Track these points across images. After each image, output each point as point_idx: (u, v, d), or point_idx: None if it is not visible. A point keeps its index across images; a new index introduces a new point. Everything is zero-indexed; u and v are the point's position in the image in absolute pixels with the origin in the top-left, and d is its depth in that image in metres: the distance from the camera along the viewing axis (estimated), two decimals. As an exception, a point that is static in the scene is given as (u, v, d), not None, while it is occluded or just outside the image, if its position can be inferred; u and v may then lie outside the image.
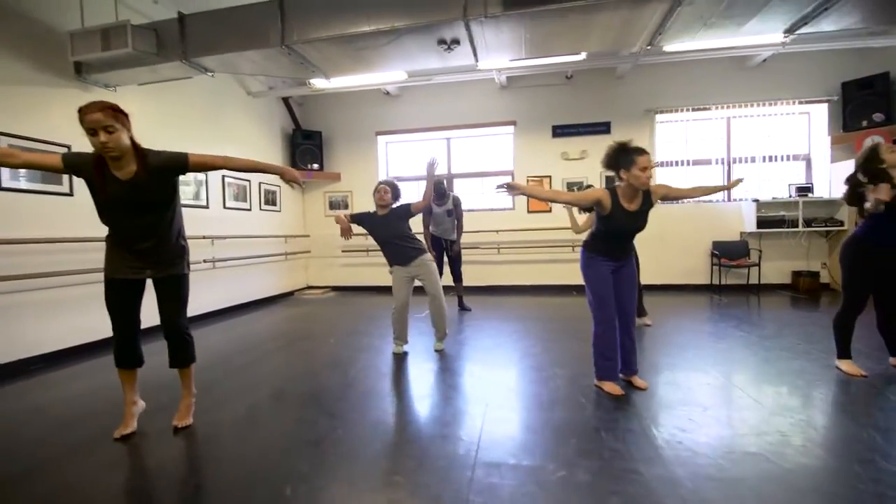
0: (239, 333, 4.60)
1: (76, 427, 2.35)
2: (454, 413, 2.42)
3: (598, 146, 6.51)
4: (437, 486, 1.68)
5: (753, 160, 6.26)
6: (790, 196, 5.94)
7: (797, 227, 5.82)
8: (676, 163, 6.45)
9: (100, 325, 4.14)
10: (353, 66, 3.89)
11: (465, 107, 6.93)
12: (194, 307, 5.02)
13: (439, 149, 7.35)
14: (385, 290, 6.90)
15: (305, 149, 7.10)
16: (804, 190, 5.95)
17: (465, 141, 7.26)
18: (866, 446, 1.92)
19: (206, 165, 2.12)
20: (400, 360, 3.40)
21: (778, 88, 6.00)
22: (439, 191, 5.06)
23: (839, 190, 5.66)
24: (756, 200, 5.93)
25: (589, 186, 5.04)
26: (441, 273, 5.27)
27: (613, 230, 2.57)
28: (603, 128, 6.56)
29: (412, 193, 7.46)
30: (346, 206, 7.42)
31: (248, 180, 6.15)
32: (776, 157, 6.21)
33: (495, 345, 3.79)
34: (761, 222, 5.92)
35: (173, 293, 2.20)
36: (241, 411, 2.51)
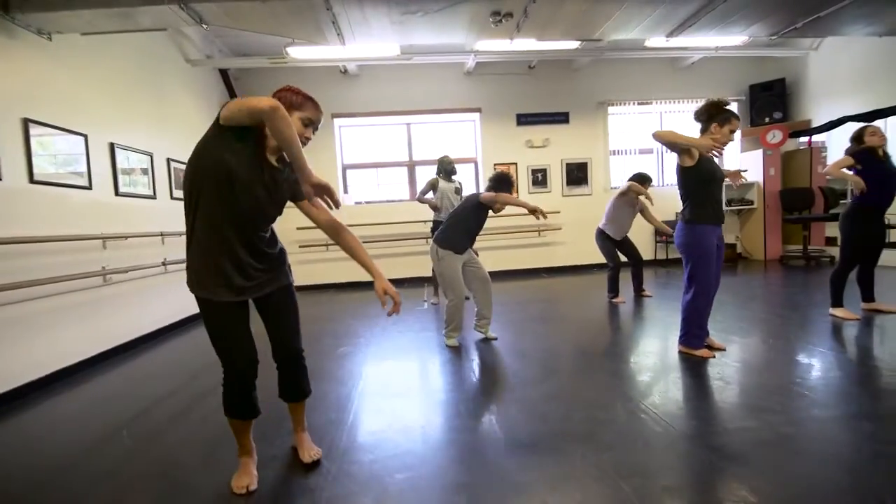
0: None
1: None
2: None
3: (559, 134, 6.92)
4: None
5: (650, 151, 7.22)
6: (715, 180, 7.01)
7: (730, 205, 6.91)
8: (625, 151, 7.12)
9: (71, 348, 3.15)
10: (383, 33, 3.46)
11: (429, 91, 6.71)
12: (150, 322, 4.06)
13: (399, 134, 7.00)
14: (350, 287, 6.43)
15: (250, 130, 6.14)
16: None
17: (427, 127, 7.03)
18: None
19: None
20: (483, 349, 3.19)
21: (702, 87, 7.00)
22: (448, 168, 4.79)
23: (748, 174, 6.93)
24: (692, 184, 6.87)
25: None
26: None
27: (708, 176, 2.62)
28: (562, 117, 6.93)
29: (366, 181, 7.01)
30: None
31: (193, 165, 5.10)
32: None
33: (523, 330, 3.78)
34: (697, 203, 6.88)
35: (288, 306, 1.68)
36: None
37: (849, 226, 3.51)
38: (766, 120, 6.74)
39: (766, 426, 1.82)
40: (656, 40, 5.06)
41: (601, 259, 6.92)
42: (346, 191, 6.89)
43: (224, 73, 6.03)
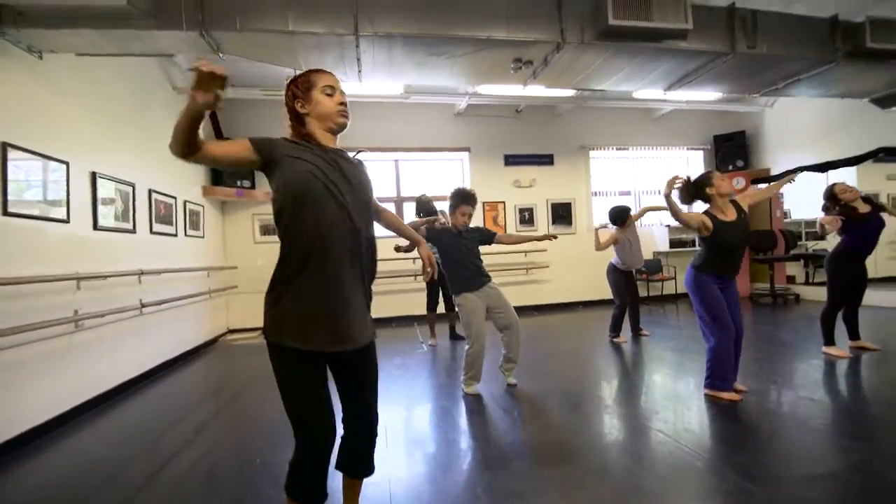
0: (175, 401, 3.45)
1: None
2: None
3: (545, 175, 7.13)
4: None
5: (659, 192, 7.64)
6: (688, 222, 7.43)
7: (695, 246, 7.29)
8: (606, 193, 7.43)
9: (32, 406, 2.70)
10: (402, 72, 3.44)
11: (419, 129, 6.75)
12: (121, 373, 3.59)
13: (387, 170, 6.94)
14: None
15: (233, 162, 5.85)
16: (694, 217, 7.52)
17: (415, 164, 7.02)
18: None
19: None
20: (505, 397, 3.04)
21: (673, 137, 7.53)
22: (427, 208, 4.65)
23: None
24: (668, 226, 7.24)
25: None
26: (436, 303, 4.94)
27: (724, 245, 2.81)
28: (547, 159, 7.17)
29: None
30: (282, 232, 6.33)
31: (175, 196, 4.75)
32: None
33: (538, 373, 3.71)
34: (673, 242, 7.23)
35: (374, 367, 1.47)
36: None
37: (834, 268, 3.76)
38: (730, 167, 7.30)
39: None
40: (644, 92, 5.42)
41: (587, 297, 7.13)
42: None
43: (209, 103, 5.77)
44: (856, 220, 3.61)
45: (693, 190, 2.83)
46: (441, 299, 4.97)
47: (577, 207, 7.23)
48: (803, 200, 6.94)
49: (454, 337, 5.05)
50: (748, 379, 3.08)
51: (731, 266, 2.88)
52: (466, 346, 3.13)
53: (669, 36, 3.17)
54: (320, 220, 1.26)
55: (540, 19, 3.08)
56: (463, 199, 3.05)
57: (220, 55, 2.94)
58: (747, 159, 7.30)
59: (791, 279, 7.30)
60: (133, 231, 3.96)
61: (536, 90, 5.10)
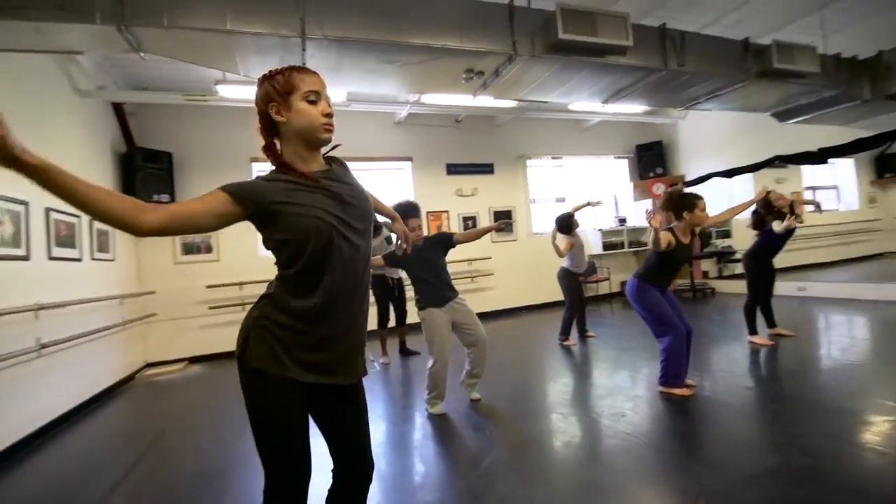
0: (84, 458, 2.98)
1: None
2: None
3: (486, 184, 7.24)
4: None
5: (563, 200, 8.05)
6: (618, 225, 7.93)
7: (624, 248, 7.80)
8: (543, 200, 7.70)
9: None
10: (351, 80, 3.25)
11: (359, 138, 6.50)
12: (15, 430, 2.99)
13: (326, 181, 6.61)
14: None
15: (149, 174, 5.22)
16: (623, 221, 8.05)
17: (356, 173, 6.74)
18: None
19: None
20: (472, 415, 2.95)
21: (600, 146, 8.01)
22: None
23: (641, 220, 8.00)
24: (601, 230, 7.66)
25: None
26: (388, 319, 4.75)
27: (675, 261, 3.01)
28: (488, 168, 7.27)
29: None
30: (210, 250, 5.76)
31: (78, 215, 4.10)
32: (600, 196, 8.20)
33: (503, 379, 3.71)
34: (606, 245, 7.66)
35: (364, 407, 1.32)
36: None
37: (753, 264, 4.17)
38: (651, 174, 7.93)
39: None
40: (576, 104, 5.69)
41: (530, 301, 7.30)
42: (264, 241, 6.18)
43: (118, 108, 5.10)
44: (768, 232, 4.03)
45: (677, 203, 2.97)
46: (392, 314, 4.80)
47: (517, 214, 7.40)
48: (711, 203, 7.70)
49: (405, 353, 4.89)
50: (691, 373, 3.29)
51: (671, 278, 3.10)
52: (429, 364, 3.00)
53: (612, 52, 3.32)
54: (336, 266, 1.16)
55: (492, 31, 3.08)
56: (406, 212, 2.86)
57: (141, 54, 2.56)
58: (665, 166, 7.98)
59: (705, 274, 8.06)
60: (26, 258, 3.33)
61: (479, 100, 5.14)
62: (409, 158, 6.83)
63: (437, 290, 2.97)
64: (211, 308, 5.61)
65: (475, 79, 3.42)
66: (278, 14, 2.58)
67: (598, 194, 7.13)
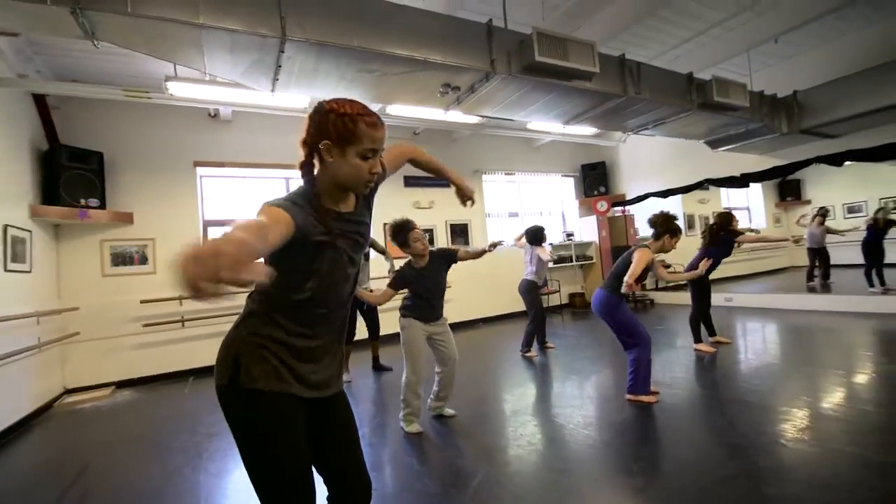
0: None
1: None
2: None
3: (443, 197, 7.29)
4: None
5: (541, 214, 8.42)
6: (566, 240, 8.31)
7: (572, 261, 8.17)
8: (497, 214, 7.89)
9: None
10: (324, 87, 3.12)
11: (313, 146, 6.29)
12: None
13: (278, 188, 6.30)
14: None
15: (76, 176, 4.64)
16: (570, 235, 8.45)
17: (309, 183, 6.51)
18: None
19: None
20: (445, 432, 2.89)
21: (550, 164, 8.39)
22: (377, 248, 4.60)
23: (586, 235, 8.46)
24: (551, 244, 7.97)
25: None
26: (353, 333, 4.57)
27: (643, 277, 3.21)
28: (444, 182, 7.24)
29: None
30: (145, 261, 5.22)
31: (-13, 220, 3.55)
32: (549, 212, 8.58)
33: (473, 394, 3.72)
34: (555, 259, 7.98)
35: (354, 422, 1.28)
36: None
37: (698, 278, 4.54)
38: (595, 192, 8.43)
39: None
40: (532, 124, 5.93)
41: (487, 313, 7.38)
42: (208, 252, 5.71)
43: (40, 100, 4.51)
44: (724, 242, 4.42)
45: (668, 224, 3.16)
46: (366, 327, 4.65)
47: (473, 228, 7.51)
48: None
49: (378, 368, 4.73)
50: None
51: (635, 292, 3.29)
52: (403, 376, 2.92)
53: (579, 76, 3.51)
54: (332, 297, 1.16)
55: (472, 48, 3.13)
56: (405, 228, 2.87)
57: (95, 43, 2.28)
58: (607, 186, 8.52)
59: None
60: (-76, 269, 2.82)
61: (439, 114, 5.16)
62: (366, 169, 6.69)
63: (433, 309, 2.95)
64: (145, 325, 5.07)
65: (450, 93, 3.45)
66: (257, 12, 2.43)
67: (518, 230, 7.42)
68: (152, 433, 3.39)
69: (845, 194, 9.74)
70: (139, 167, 5.23)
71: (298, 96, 4.22)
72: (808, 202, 10.71)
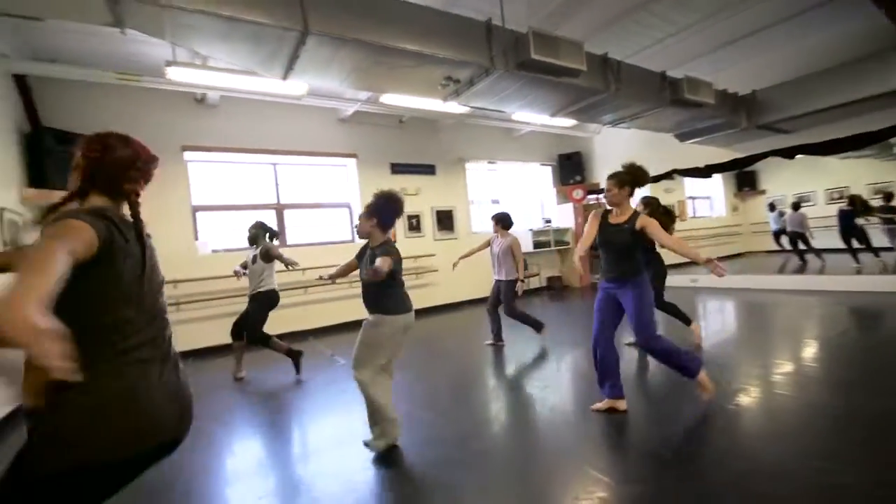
0: None
1: None
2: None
3: (429, 184, 7.51)
4: None
5: (497, 202, 8.71)
6: (545, 225, 8.71)
7: (550, 247, 8.60)
8: (480, 201, 8.18)
9: None
10: (337, 76, 3.28)
11: (299, 132, 6.35)
12: None
13: (266, 174, 6.34)
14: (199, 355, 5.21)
15: (63, 159, 4.56)
16: (548, 221, 8.86)
17: (296, 169, 6.58)
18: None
19: None
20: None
21: (528, 153, 8.73)
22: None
23: (563, 222, 8.89)
24: (531, 230, 8.35)
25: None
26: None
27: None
28: (430, 169, 7.53)
29: (222, 225, 6.08)
30: (135, 246, 5.19)
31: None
32: (522, 200, 8.94)
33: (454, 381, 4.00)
34: (536, 244, 8.38)
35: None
36: None
37: (660, 267, 4.93)
38: (571, 181, 8.85)
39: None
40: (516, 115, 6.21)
41: (470, 296, 7.68)
42: (196, 237, 5.74)
43: (21, 80, 4.40)
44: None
45: (630, 174, 2.93)
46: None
47: (457, 214, 7.77)
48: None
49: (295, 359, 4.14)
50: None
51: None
52: (367, 380, 2.36)
53: (568, 73, 3.79)
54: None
55: (474, 45, 3.35)
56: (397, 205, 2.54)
57: (121, 31, 2.37)
58: (583, 174, 8.96)
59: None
60: (-65, 251, 2.82)
61: (425, 103, 5.27)
62: (353, 155, 6.81)
63: (405, 296, 2.53)
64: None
65: (451, 86, 3.67)
66: (280, 4, 2.57)
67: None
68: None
69: (795, 184, 10.61)
70: (127, 151, 5.17)
71: (298, 83, 4.32)
72: (763, 192, 11.58)
